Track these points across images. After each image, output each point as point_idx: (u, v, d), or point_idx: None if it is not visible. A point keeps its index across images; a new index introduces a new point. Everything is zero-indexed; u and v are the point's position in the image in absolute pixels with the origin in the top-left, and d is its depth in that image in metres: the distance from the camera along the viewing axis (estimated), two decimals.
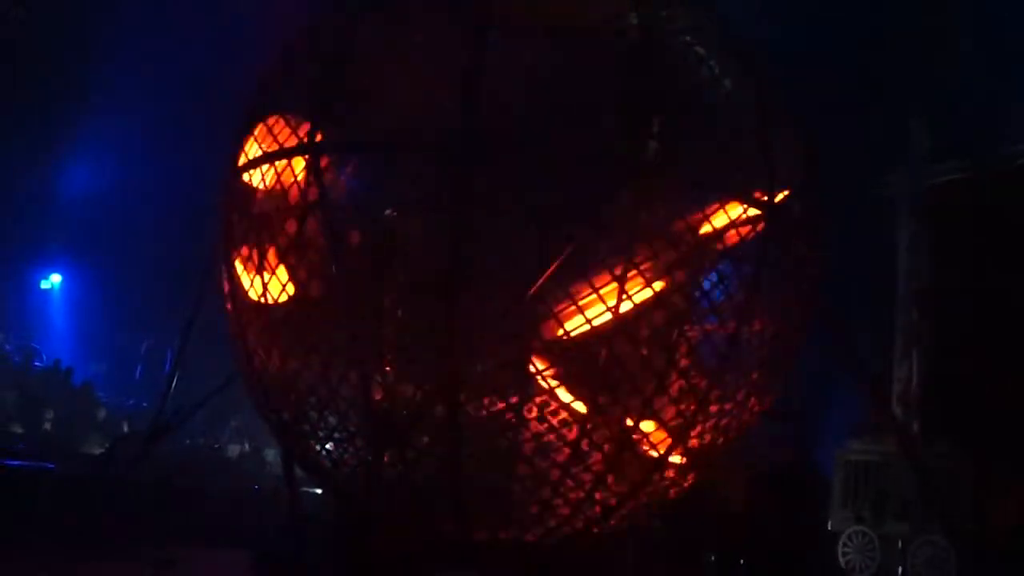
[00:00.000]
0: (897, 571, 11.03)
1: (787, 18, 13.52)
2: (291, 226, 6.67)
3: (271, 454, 15.55)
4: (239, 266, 7.11)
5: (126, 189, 18.91)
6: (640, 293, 6.40)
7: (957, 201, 14.75)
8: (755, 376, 6.83)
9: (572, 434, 6.39)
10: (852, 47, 15.08)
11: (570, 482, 6.47)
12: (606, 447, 6.41)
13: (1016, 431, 12.30)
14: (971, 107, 14.82)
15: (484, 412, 6.51)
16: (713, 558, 9.10)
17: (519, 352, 6.42)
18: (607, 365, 6.34)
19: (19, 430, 14.86)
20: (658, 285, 6.40)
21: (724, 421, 6.80)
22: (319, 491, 9.42)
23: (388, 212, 6.62)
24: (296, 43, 7.37)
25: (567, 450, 6.35)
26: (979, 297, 14.04)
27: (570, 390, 6.47)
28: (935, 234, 14.82)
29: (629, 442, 6.45)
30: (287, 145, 6.75)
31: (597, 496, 6.55)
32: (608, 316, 6.26)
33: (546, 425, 6.35)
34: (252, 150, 7.08)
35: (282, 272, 6.71)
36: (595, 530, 6.85)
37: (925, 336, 14.53)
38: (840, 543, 11.67)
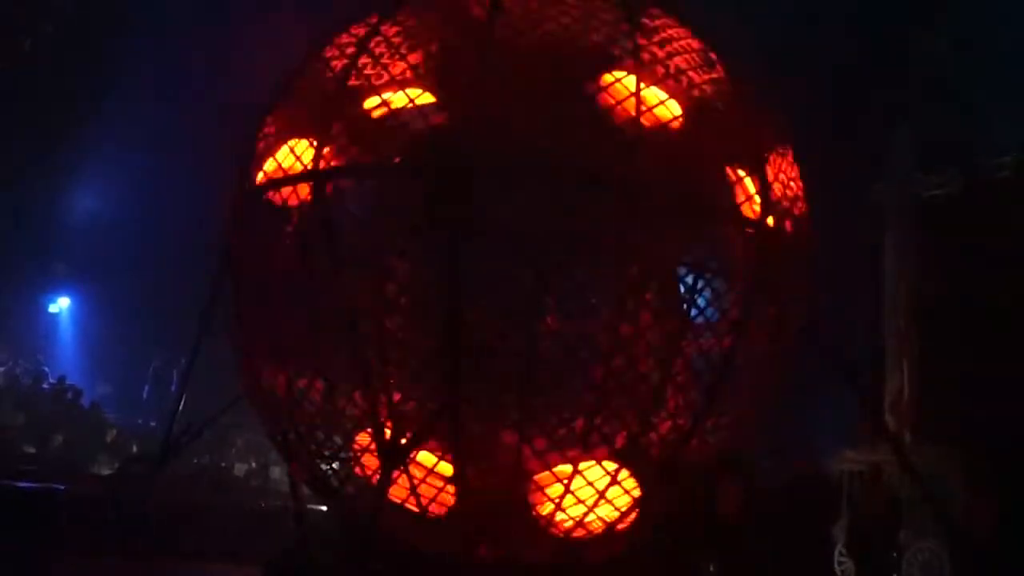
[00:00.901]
0: None
1: (775, 29, 13.68)
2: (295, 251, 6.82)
3: (277, 472, 15.64)
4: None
5: (132, 213, 19.03)
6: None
7: (943, 210, 14.90)
8: (750, 390, 6.97)
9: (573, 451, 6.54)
10: (839, 59, 15.23)
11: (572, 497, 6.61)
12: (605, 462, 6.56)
13: (1007, 435, 12.42)
14: (956, 118, 14.97)
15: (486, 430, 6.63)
16: (713, 568, 9.17)
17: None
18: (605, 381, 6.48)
19: (30, 451, 14.97)
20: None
21: (720, 435, 6.94)
22: (325, 508, 9.52)
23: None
24: (300, 68, 7.52)
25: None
26: (966, 304, 14.18)
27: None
28: (922, 243, 14.97)
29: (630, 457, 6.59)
30: (291, 171, 6.92)
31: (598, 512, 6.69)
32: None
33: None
34: (258, 175, 7.25)
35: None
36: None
37: (914, 344, 14.66)
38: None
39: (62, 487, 11.28)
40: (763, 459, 10.85)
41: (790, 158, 7.31)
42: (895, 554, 11.12)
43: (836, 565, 11.69)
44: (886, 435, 9.57)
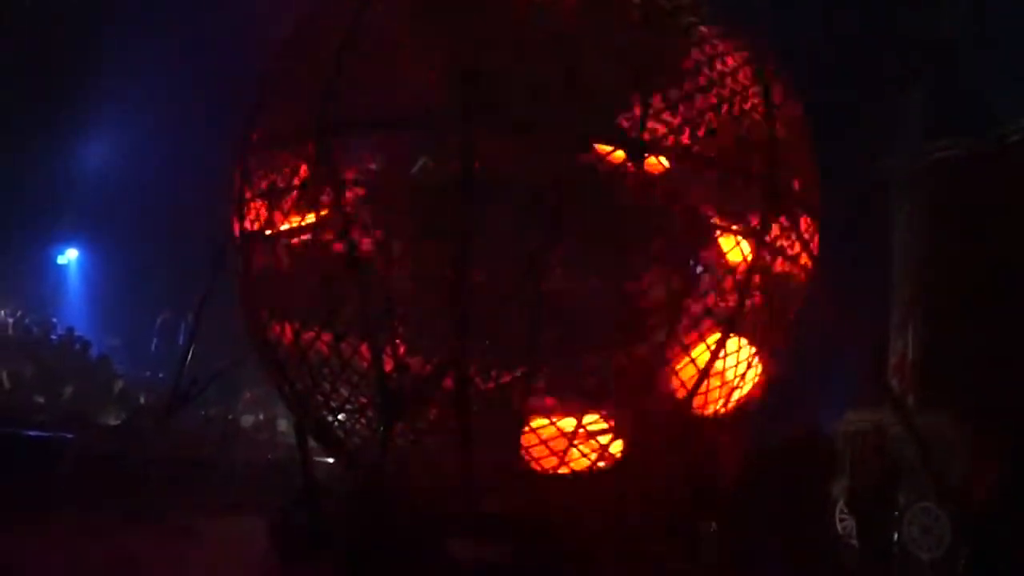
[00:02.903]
0: (892, 538, 11.19)
1: None
2: (302, 202, 6.84)
3: (284, 424, 15.75)
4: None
5: (141, 164, 19.01)
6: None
7: (953, 178, 14.82)
8: (754, 350, 6.98)
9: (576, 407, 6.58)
10: (850, 25, 15.10)
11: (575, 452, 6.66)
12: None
13: (1010, 401, 12.45)
14: (967, 85, 14.86)
15: (492, 384, 6.67)
16: (713, 528, 9.24)
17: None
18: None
19: (39, 401, 15.08)
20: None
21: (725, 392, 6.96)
22: (331, 460, 9.61)
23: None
24: (305, 24, 7.50)
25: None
26: (973, 272, 14.15)
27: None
28: (931, 210, 14.92)
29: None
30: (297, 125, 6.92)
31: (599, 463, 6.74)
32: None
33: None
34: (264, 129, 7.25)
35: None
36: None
37: (920, 310, 14.67)
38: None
39: (71, 436, 11.37)
40: (764, 419, 10.89)
41: (799, 115, 7.29)
42: (896, 514, 11.19)
43: (837, 524, 11.77)
44: (889, 395, 9.59)
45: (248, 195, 7.29)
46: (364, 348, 6.59)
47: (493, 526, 6.94)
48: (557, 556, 6.87)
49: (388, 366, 6.54)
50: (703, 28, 7.01)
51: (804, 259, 7.17)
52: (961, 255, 14.53)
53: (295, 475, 9.31)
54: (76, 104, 19.13)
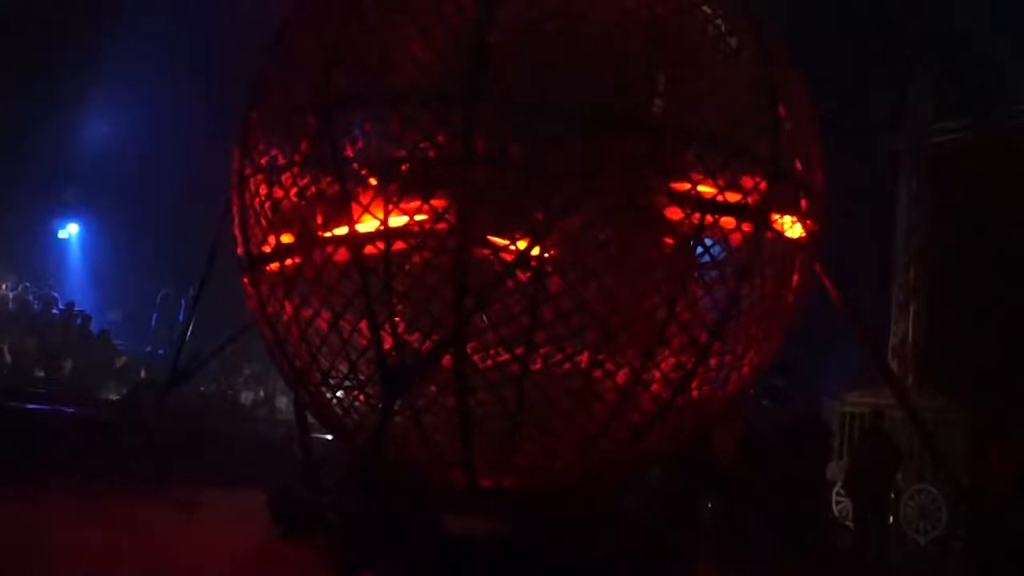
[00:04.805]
0: (889, 520, 11.24)
1: None
2: (302, 179, 6.82)
3: (283, 401, 15.77)
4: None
5: (143, 140, 18.93)
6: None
7: (958, 159, 14.80)
8: (754, 330, 6.97)
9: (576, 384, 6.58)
10: (857, 5, 15.02)
11: (573, 431, 6.67)
12: (609, 396, 6.61)
13: (1009, 384, 12.47)
14: (974, 66, 14.81)
15: (490, 363, 6.67)
16: (710, 506, 9.29)
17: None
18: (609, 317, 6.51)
19: (40, 375, 15.10)
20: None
21: (723, 374, 6.97)
22: (330, 437, 9.63)
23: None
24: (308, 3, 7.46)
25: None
26: (977, 254, 14.14)
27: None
28: (935, 191, 14.91)
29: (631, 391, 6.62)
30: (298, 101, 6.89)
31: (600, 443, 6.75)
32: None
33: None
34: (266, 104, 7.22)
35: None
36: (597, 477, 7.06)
37: (922, 291, 14.68)
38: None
39: (71, 411, 11.37)
40: (764, 400, 10.92)
41: (804, 98, 7.25)
42: (892, 496, 11.23)
43: (833, 505, 11.83)
44: (888, 377, 9.58)
45: (248, 171, 7.27)
46: (363, 325, 6.58)
47: (491, 502, 6.96)
48: (554, 531, 6.90)
49: (387, 343, 6.54)
50: (706, 8, 6.99)
51: (804, 241, 7.15)
52: (964, 238, 14.54)
53: (293, 452, 9.35)
54: (78, 79, 19.04)
